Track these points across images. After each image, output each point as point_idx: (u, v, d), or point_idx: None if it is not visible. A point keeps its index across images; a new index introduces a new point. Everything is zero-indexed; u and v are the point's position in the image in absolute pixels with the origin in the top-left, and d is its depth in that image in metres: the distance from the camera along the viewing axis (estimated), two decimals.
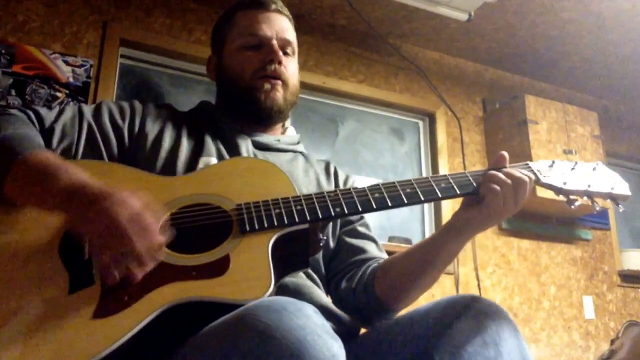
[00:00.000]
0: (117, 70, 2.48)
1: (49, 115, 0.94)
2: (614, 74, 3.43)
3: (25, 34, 2.33)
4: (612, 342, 2.94)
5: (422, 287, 0.96)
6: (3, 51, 2.26)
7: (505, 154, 0.90)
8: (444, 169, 3.01)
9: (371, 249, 1.04)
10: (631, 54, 3.21)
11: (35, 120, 0.92)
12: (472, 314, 0.74)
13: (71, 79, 2.34)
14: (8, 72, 2.24)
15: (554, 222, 3.21)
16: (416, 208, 3.01)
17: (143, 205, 0.71)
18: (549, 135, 3.02)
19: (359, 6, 2.79)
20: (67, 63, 2.35)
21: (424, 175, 3.08)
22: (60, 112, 0.96)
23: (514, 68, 3.43)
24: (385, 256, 1.05)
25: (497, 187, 0.84)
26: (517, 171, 0.87)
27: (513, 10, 2.85)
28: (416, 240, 2.89)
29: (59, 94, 2.31)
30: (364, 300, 0.96)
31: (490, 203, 0.85)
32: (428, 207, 3.03)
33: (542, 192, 2.86)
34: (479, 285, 2.91)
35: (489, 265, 3.01)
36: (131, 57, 2.57)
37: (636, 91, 3.63)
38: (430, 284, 0.96)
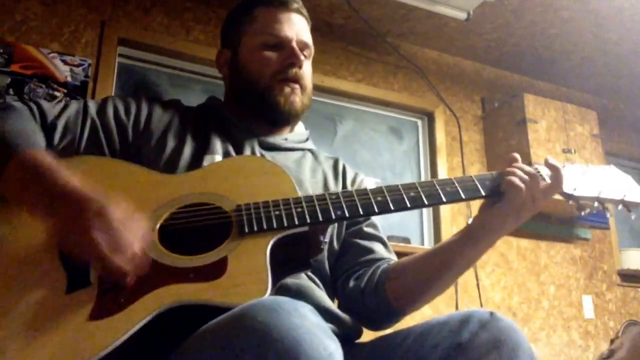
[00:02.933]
0: (115, 70, 2.47)
1: (52, 111, 0.93)
2: (613, 73, 3.43)
3: (23, 33, 2.33)
4: (612, 341, 2.93)
5: (437, 291, 0.95)
6: (1, 50, 2.26)
7: (517, 155, 0.91)
8: (442, 168, 3.01)
9: (379, 249, 1.03)
10: (630, 52, 3.20)
11: (37, 115, 0.92)
12: (489, 330, 0.74)
13: (69, 78, 2.34)
14: (6, 72, 2.24)
15: (553, 221, 3.20)
16: None
17: (123, 215, 0.71)
18: (548, 134, 3.01)
19: (357, 5, 2.79)
20: (65, 62, 2.35)
21: (422, 174, 3.08)
22: (65, 108, 0.95)
23: (513, 67, 3.42)
24: (394, 257, 1.03)
25: (519, 183, 0.85)
26: (528, 167, 0.88)
27: (512, 9, 2.84)
28: (414, 239, 2.89)
29: (57, 93, 2.30)
30: (373, 302, 0.94)
31: (511, 198, 0.85)
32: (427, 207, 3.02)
33: None
34: (478, 284, 2.90)
35: (488, 265, 3.00)
36: (129, 56, 2.57)
37: (636, 90, 3.62)
38: (444, 288, 0.95)
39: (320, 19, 2.96)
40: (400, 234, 2.78)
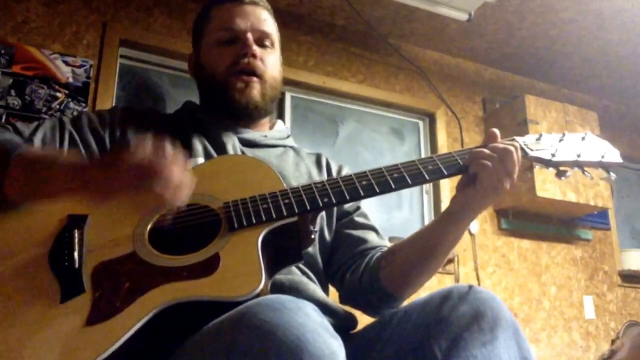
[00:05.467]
0: (117, 71, 2.47)
1: (26, 129, 0.93)
2: (614, 73, 3.43)
3: (24, 34, 2.33)
4: (613, 342, 2.94)
5: (427, 273, 0.95)
6: (3, 51, 2.26)
7: (496, 131, 0.90)
8: None
9: (372, 238, 1.04)
10: (631, 53, 3.21)
11: (12, 132, 0.91)
12: (468, 302, 0.74)
13: (71, 79, 2.33)
14: (8, 73, 2.24)
15: (554, 222, 3.20)
16: (416, 208, 3.01)
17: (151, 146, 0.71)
18: None
19: (358, 6, 2.79)
20: (66, 63, 2.35)
21: None
22: (39, 125, 0.95)
23: (514, 68, 3.43)
24: (387, 243, 1.04)
25: (487, 162, 0.84)
26: (502, 143, 0.87)
27: (513, 10, 2.85)
28: None
29: (58, 94, 2.30)
30: (370, 291, 0.95)
31: (483, 179, 0.84)
32: (428, 207, 3.02)
33: (542, 192, 2.86)
34: (479, 285, 2.90)
35: (489, 265, 3.00)
36: (131, 57, 2.57)
37: (637, 91, 3.63)
38: (435, 269, 0.96)
39: (322, 20, 2.96)
40: (402, 234, 2.78)
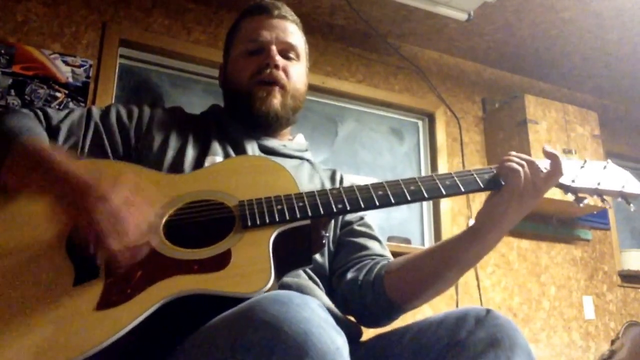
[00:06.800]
0: (117, 71, 2.48)
1: (56, 115, 0.96)
2: (614, 73, 3.43)
3: (24, 34, 2.34)
4: (612, 342, 2.93)
5: (438, 288, 0.94)
6: (2, 51, 2.26)
7: (514, 154, 0.91)
8: (443, 169, 3.01)
9: (374, 246, 1.03)
10: (631, 53, 3.20)
11: (42, 119, 0.95)
12: (485, 328, 0.74)
13: (70, 79, 2.34)
14: (7, 72, 2.25)
15: (553, 222, 3.20)
16: (415, 208, 3.01)
17: (125, 200, 0.72)
18: (548, 135, 3.01)
19: (358, 6, 2.79)
20: (66, 63, 2.36)
21: (423, 175, 3.07)
22: (69, 113, 0.98)
23: (514, 68, 3.42)
24: (389, 255, 1.04)
25: (516, 166, 0.85)
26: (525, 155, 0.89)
27: (513, 9, 2.85)
28: (415, 240, 2.89)
29: (58, 94, 2.31)
30: (370, 297, 0.94)
31: (511, 184, 0.85)
32: (427, 208, 3.02)
33: None
34: (478, 285, 2.90)
35: (488, 265, 3.00)
36: (130, 57, 2.58)
37: (636, 91, 3.62)
38: (446, 286, 0.94)
39: (321, 20, 2.96)
40: (401, 234, 2.78)
